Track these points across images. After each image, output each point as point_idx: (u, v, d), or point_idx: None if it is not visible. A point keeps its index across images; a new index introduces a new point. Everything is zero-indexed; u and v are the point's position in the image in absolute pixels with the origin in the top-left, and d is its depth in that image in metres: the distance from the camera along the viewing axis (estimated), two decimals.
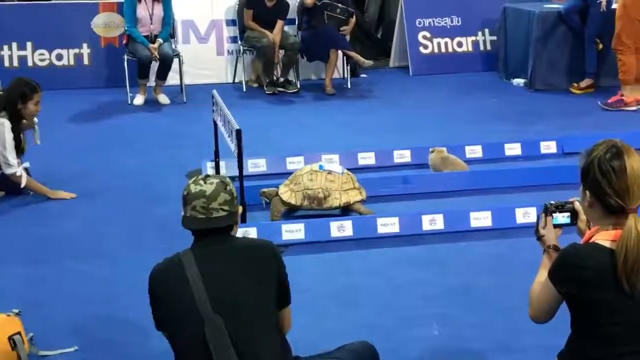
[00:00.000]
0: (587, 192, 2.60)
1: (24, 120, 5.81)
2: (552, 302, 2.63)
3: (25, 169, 5.84)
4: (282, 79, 9.11)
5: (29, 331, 3.71)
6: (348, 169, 6.26)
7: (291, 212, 5.40)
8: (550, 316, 2.68)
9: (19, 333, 3.58)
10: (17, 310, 3.68)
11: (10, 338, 3.53)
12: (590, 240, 2.58)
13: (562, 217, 2.88)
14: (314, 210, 5.35)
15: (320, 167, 5.45)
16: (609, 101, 8.15)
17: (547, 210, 2.89)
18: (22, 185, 5.74)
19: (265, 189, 5.48)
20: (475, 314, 4.13)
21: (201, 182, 2.86)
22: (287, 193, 5.33)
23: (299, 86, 9.18)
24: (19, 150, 5.84)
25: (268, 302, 2.80)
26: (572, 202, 2.90)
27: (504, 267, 4.69)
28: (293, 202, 5.30)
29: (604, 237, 2.55)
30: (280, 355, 2.82)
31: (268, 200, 5.43)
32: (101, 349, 3.84)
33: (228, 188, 2.87)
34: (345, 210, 5.39)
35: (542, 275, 2.73)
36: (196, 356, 2.70)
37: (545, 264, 2.80)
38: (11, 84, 5.88)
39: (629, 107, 8.09)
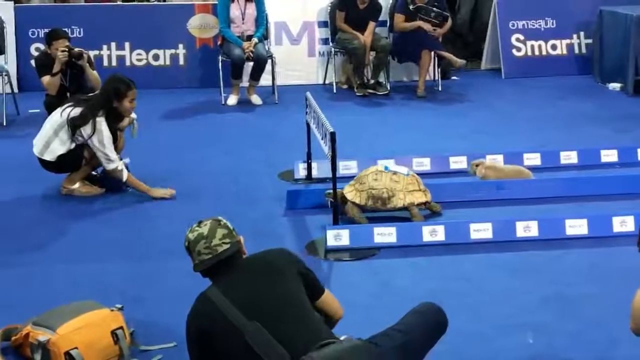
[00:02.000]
0: None
1: (122, 118, 5.94)
2: None
3: (126, 165, 5.99)
4: (372, 81, 9.13)
5: (131, 326, 3.83)
6: (439, 173, 6.30)
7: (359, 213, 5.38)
8: None
9: (121, 328, 3.69)
10: (119, 306, 3.80)
11: (113, 332, 3.66)
12: None
13: None
14: (378, 210, 5.33)
15: (386, 168, 5.46)
16: None
17: None
18: (124, 179, 5.85)
19: (329, 191, 5.45)
20: (570, 323, 4.07)
21: (196, 227, 3.13)
22: (352, 192, 5.35)
23: (389, 88, 9.18)
24: (117, 147, 6.00)
25: (297, 294, 3.02)
26: None
27: (600, 276, 4.60)
28: (357, 201, 5.30)
29: None
30: (322, 336, 2.94)
31: (333, 201, 5.39)
32: None
33: (222, 223, 3.14)
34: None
35: None
36: None
37: None
38: (106, 82, 6.00)
39: None
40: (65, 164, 5.91)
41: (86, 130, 5.74)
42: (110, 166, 5.82)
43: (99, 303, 3.81)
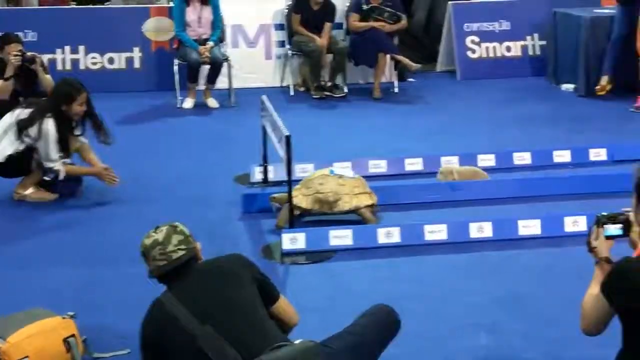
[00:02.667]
0: None
1: (72, 122, 5.88)
2: (604, 315, 2.62)
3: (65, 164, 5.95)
4: (329, 84, 9.15)
5: (83, 333, 3.78)
6: (395, 175, 6.33)
7: (301, 218, 5.35)
8: (602, 329, 2.68)
9: (73, 335, 3.65)
10: (72, 313, 3.75)
11: (65, 340, 3.61)
12: None
13: (615, 229, 2.87)
14: (324, 214, 5.33)
15: (332, 171, 5.47)
16: (637, 104, 8.22)
17: (599, 222, 2.88)
18: (61, 177, 5.84)
19: (275, 195, 5.47)
20: (524, 323, 4.11)
21: (152, 233, 3.12)
22: (297, 197, 5.32)
23: (346, 90, 9.20)
24: (67, 150, 5.94)
25: (251, 299, 3.02)
26: (624, 213, 2.88)
27: (553, 276, 4.66)
28: (304, 205, 5.28)
29: None
30: (276, 339, 2.95)
31: (280, 206, 5.42)
32: None
33: (178, 229, 3.13)
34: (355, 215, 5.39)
35: (595, 287, 2.73)
36: None
37: (598, 276, 2.80)
38: (56, 85, 6.02)
39: None
40: (13, 166, 5.85)
41: (33, 131, 5.70)
42: (48, 165, 5.81)
43: (50, 311, 3.76)
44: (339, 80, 9.23)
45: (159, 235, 3.08)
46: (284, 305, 3.24)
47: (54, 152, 5.77)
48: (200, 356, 2.87)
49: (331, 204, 5.31)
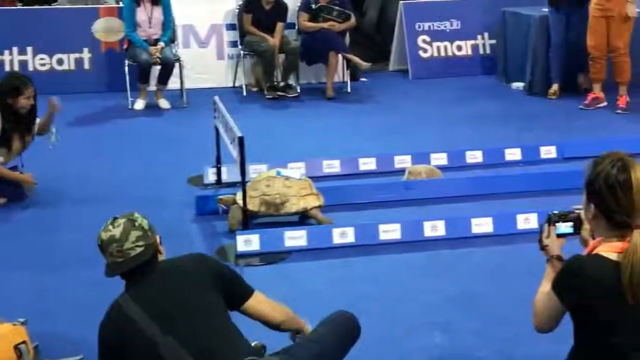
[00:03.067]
0: (592, 205, 2.62)
1: (19, 115, 5.80)
2: (556, 313, 2.65)
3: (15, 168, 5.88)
4: (282, 84, 9.13)
5: (35, 340, 3.73)
6: (349, 175, 6.35)
7: (250, 220, 5.31)
8: (554, 326, 2.71)
9: (24, 342, 3.60)
10: (22, 320, 3.69)
11: (16, 347, 3.56)
12: (594, 252, 2.61)
13: (565, 227, 2.90)
14: (272, 216, 5.31)
15: (278, 173, 5.45)
16: (587, 102, 8.37)
17: (550, 220, 2.91)
18: None
19: (222, 196, 5.44)
20: (477, 321, 4.15)
21: (110, 227, 2.97)
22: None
23: (299, 90, 9.20)
24: (8, 149, 5.84)
25: (214, 304, 2.93)
26: (575, 211, 2.91)
27: (506, 274, 4.71)
28: (250, 208, 5.24)
29: (609, 249, 2.57)
30: (240, 349, 2.90)
31: (226, 208, 5.40)
32: None
33: (137, 224, 2.97)
34: (303, 218, 5.39)
35: (546, 285, 2.75)
36: None
37: (549, 274, 2.82)
38: (2, 79, 5.95)
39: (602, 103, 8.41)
40: None
41: None
42: None
43: (1, 317, 3.69)
44: (291, 80, 9.22)
45: (116, 231, 2.94)
46: (260, 302, 3.11)
47: None
48: None
49: (278, 205, 5.29)
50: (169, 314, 2.85)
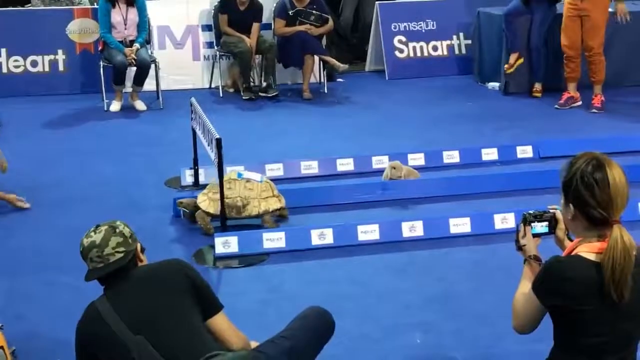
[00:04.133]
0: (571, 205, 2.63)
1: None
2: (536, 314, 2.66)
3: None
4: (264, 84, 9.07)
5: (12, 345, 3.69)
6: (327, 176, 6.34)
7: (216, 219, 5.30)
8: (535, 327, 2.72)
9: (1, 347, 3.55)
10: None
11: None
12: (574, 253, 2.62)
13: (541, 227, 2.93)
14: (233, 219, 5.28)
15: (239, 175, 5.43)
16: (561, 101, 8.43)
17: (526, 220, 2.93)
18: None
19: (182, 199, 5.42)
20: (456, 321, 4.17)
21: (92, 233, 3.03)
22: (205, 202, 5.27)
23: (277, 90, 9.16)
24: None
25: (187, 309, 2.97)
26: (550, 211, 2.93)
27: (484, 273, 4.73)
28: (212, 211, 5.22)
29: (588, 249, 2.58)
30: (209, 349, 2.91)
31: (187, 210, 5.37)
32: None
33: (118, 230, 3.03)
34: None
35: (525, 286, 2.76)
36: None
37: (527, 274, 2.84)
38: None
39: (577, 103, 8.48)
40: None
41: None
42: None
43: None
44: (270, 79, 9.16)
45: (97, 237, 2.99)
46: (224, 323, 3.08)
47: None
48: None
49: (239, 208, 5.27)
50: (142, 318, 2.89)
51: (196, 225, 5.34)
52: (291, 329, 3.13)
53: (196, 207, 5.31)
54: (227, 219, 5.17)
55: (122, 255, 2.99)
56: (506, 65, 8.93)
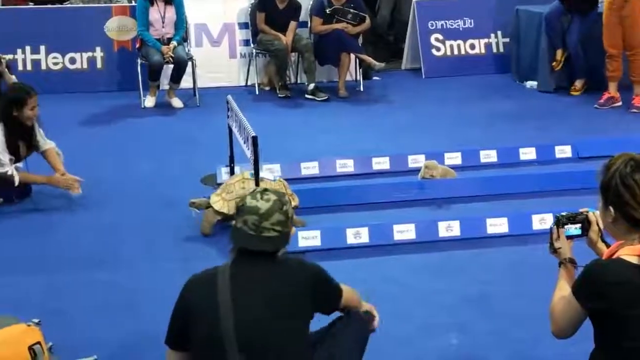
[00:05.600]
0: (611, 208, 2.59)
1: (24, 126, 5.78)
2: (576, 318, 2.62)
3: (16, 168, 5.86)
4: (310, 86, 9.02)
5: (49, 340, 3.71)
6: (362, 174, 6.32)
7: (224, 223, 5.27)
8: (574, 331, 2.68)
9: (38, 343, 3.58)
10: (37, 320, 3.68)
11: (30, 348, 3.53)
12: (615, 256, 2.57)
13: (574, 229, 2.89)
14: None
15: (252, 174, 5.41)
16: (601, 101, 8.32)
17: (559, 222, 2.89)
18: (16, 184, 5.73)
19: (194, 200, 5.37)
20: (493, 322, 4.13)
21: (258, 196, 2.85)
22: (219, 202, 5.24)
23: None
24: (17, 157, 5.84)
25: (296, 315, 2.79)
26: (583, 213, 2.89)
27: (521, 274, 4.68)
28: (226, 211, 5.18)
29: (631, 252, 2.54)
30: None
31: (198, 211, 5.35)
32: (121, 358, 3.86)
33: (284, 208, 2.85)
34: None
35: (563, 289, 2.72)
36: None
37: (564, 277, 2.80)
38: (6, 91, 6.00)
39: (617, 103, 8.37)
40: None
41: None
42: (0, 170, 5.70)
43: (15, 317, 3.68)
44: (310, 79, 9.10)
45: (263, 205, 2.81)
46: (347, 298, 3.11)
47: (3, 155, 5.69)
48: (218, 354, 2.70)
49: (246, 198, 5.21)
50: (251, 333, 2.71)
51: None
52: (334, 336, 3.10)
53: (209, 207, 5.30)
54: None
55: (277, 234, 2.80)
56: (554, 63, 8.83)
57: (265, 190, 2.89)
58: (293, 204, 5.30)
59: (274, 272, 2.82)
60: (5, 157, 5.69)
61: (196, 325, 2.77)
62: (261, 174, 5.37)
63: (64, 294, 4.51)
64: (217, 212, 5.24)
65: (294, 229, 3.00)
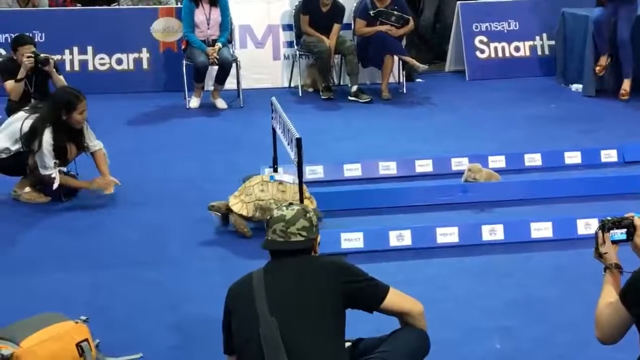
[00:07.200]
0: None
1: (72, 130, 5.87)
2: (622, 324, 2.60)
3: (69, 173, 5.95)
4: (353, 88, 9.03)
5: (96, 337, 3.77)
6: (405, 177, 6.31)
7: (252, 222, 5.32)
8: (620, 337, 2.66)
9: (86, 340, 3.63)
10: (84, 317, 3.74)
11: (78, 345, 3.59)
12: None
13: (620, 233, 2.87)
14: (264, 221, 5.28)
15: (271, 177, 5.40)
16: None
17: (605, 227, 2.87)
18: (55, 187, 5.82)
19: (214, 203, 5.39)
20: (537, 327, 4.10)
21: (284, 208, 3.18)
22: (237, 205, 5.26)
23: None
24: (64, 159, 5.94)
25: (327, 311, 2.98)
26: (628, 217, 2.86)
27: (566, 279, 4.64)
28: (244, 213, 5.22)
29: None
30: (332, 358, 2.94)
31: (218, 214, 5.37)
32: (165, 356, 3.91)
33: (308, 216, 3.15)
34: None
35: (609, 295, 2.70)
36: (251, 354, 2.93)
37: (609, 282, 2.78)
38: (56, 94, 6.08)
39: None
40: (9, 165, 5.92)
41: (35, 145, 5.76)
42: (44, 172, 5.80)
43: (63, 315, 3.75)
44: (353, 81, 9.12)
45: (288, 213, 3.12)
46: (395, 301, 3.18)
47: (48, 158, 5.77)
48: (254, 340, 2.91)
49: (273, 211, 5.23)
50: (285, 304, 2.96)
51: (229, 227, 5.37)
52: (389, 350, 3.12)
53: (228, 210, 5.32)
54: (260, 221, 5.19)
55: (303, 239, 3.09)
56: (598, 68, 8.73)
57: (291, 203, 3.23)
58: (311, 206, 5.32)
59: (305, 272, 3.06)
60: (50, 161, 5.78)
61: (233, 315, 3.06)
62: (280, 177, 5.40)
63: (110, 291, 4.58)
64: (236, 214, 5.27)
65: (319, 237, 3.20)
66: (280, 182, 5.35)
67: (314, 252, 3.17)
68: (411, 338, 3.20)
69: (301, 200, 5.13)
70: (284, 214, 3.12)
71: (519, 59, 10.06)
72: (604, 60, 8.72)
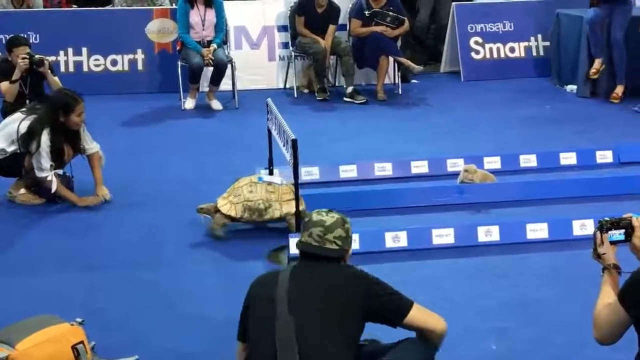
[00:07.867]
0: None
1: (69, 132, 5.87)
2: (621, 325, 2.60)
3: (58, 175, 5.92)
4: (348, 89, 9.04)
5: (91, 339, 3.76)
6: (401, 178, 6.31)
7: (234, 223, 5.32)
8: (618, 338, 2.66)
9: (82, 342, 3.62)
10: (80, 320, 3.72)
11: (73, 347, 3.58)
12: None
13: (618, 234, 2.86)
14: (254, 222, 5.28)
15: (260, 179, 5.40)
16: None
17: (603, 228, 2.87)
18: (52, 190, 5.81)
19: (202, 205, 5.39)
20: (533, 328, 4.10)
21: (324, 213, 3.18)
22: (226, 205, 5.26)
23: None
24: (61, 161, 5.93)
25: (346, 320, 2.99)
26: (627, 218, 2.87)
27: (562, 280, 4.65)
28: (233, 214, 5.22)
29: None
30: None
31: (207, 216, 5.37)
32: (161, 358, 3.89)
33: (346, 226, 3.18)
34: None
35: (607, 296, 2.70)
36: (264, 349, 2.93)
37: (608, 283, 2.77)
38: (53, 96, 6.07)
39: None
40: (3, 166, 5.90)
41: (32, 146, 5.74)
42: (40, 174, 5.79)
43: (58, 317, 3.74)
44: (348, 82, 9.12)
45: (328, 219, 3.14)
46: (418, 317, 3.13)
47: (45, 160, 5.76)
48: (268, 335, 2.92)
49: (261, 211, 5.24)
50: (302, 299, 2.98)
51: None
52: (399, 349, 3.12)
53: (217, 211, 5.32)
54: (249, 222, 5.25)
55: (337, 247, 3.11)
56: (592, 70, 8.73)
57: (330, 210, 3.19)
58: (301, 207, 5.32)
59: (330, 278, 3.06)
60: (47, 163, 5.76)
61: (251, 305, 3.09)
62: (268, 179, 5.40)
63: (105, 293, 4.57)
64: (225, 215, 5.27)
65: (350, 251, 3.22)
66: (269, 183, 5.35)
67: (343, 261, 3.18)
68: (420, 350, 3.17)
69: (296, 202, 5.14)
70: (323, 219, 3.13)
71: (514, 60, 10.08)
72: (598, 64, 8.72)
